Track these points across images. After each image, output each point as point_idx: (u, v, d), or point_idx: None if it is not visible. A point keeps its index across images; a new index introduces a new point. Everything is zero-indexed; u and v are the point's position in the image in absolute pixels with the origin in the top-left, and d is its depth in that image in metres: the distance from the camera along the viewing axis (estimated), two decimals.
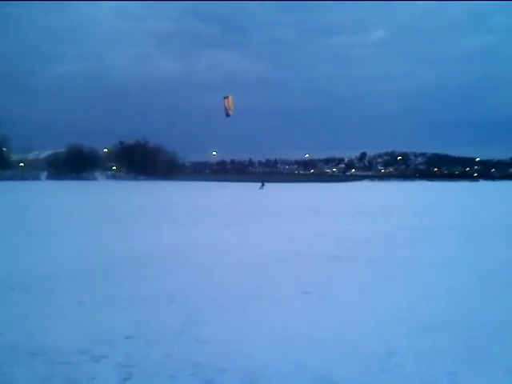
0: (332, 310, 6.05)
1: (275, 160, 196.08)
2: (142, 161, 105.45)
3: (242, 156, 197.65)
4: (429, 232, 14.22)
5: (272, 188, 58.05)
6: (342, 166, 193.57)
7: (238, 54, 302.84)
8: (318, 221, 17.69)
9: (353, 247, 11.22)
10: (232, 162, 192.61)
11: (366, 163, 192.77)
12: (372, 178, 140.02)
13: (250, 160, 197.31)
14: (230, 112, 25.67)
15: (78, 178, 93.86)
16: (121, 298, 6.59)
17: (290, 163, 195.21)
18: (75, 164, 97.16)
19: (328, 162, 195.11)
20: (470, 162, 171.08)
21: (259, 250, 10.78)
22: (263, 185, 58.29)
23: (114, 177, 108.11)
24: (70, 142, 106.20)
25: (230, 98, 25.92)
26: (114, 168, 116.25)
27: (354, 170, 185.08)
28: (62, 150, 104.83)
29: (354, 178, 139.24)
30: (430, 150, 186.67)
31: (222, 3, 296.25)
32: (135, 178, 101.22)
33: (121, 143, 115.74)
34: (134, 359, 4.49)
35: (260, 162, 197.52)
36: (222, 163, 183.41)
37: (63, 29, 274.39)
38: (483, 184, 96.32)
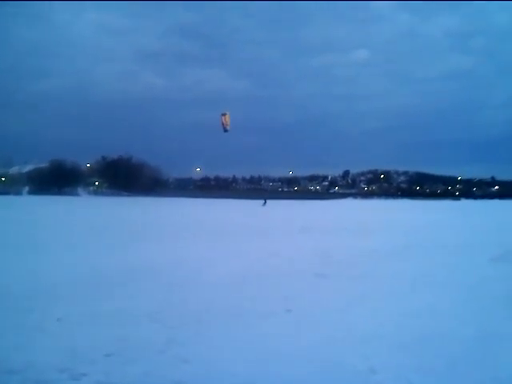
0: (314, 328, 6.05)
1: (259, 177, 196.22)
2: (126, 176, 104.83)
3: (226, 172, 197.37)
4: (412, 249, 14.31)
5: (257, 205, 58.13)
6: (326, 183, 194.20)
7: (222, 71, 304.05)
8: (302, 238, 17.71)
9: (337, 264, 11.24)
10: (216, 178, 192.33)
11: (350, 181, 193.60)
12: (355, 195, 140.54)
13: (234, 177, 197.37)
14: (228, 127, 26.69)
15: (60, 193, 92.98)
16: (102, 314, 6.52)
17: (273, 180, 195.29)
18: (57, 179, 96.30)
19: (312, 179, 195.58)
20: (452, 180, 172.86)
21: (243, 266, 10.76)
22: (265, 202, 59.95)
23: (97, 192, 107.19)
24: (52, 156, 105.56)
25: (228, 114, 27.05)
26: (97, 183, 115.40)
27: (337, 187, 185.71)
28: (44, 164, 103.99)
29: (338, 195, 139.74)
30: (413, 168, 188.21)
31: (204, 20, 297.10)
32: (118, 194, 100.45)
33: (103, 158, 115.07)
34: (113, 377, 4.43)
35: (244, 179, 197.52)
36: (205, 179, 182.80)
37: (47, 43, 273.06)
38: (465, 202, 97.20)
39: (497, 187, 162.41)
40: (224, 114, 27.20)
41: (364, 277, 9.65)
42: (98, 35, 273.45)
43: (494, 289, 8.69)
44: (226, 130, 27.10)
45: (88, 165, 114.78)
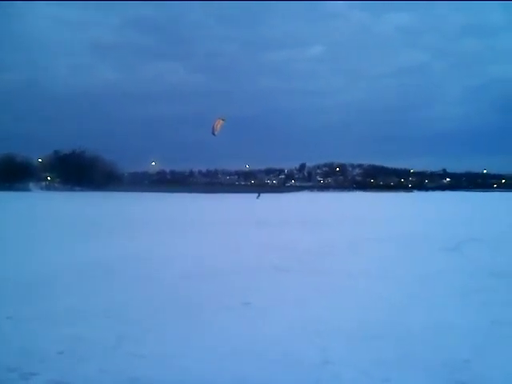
0: (271, 321, 6.05)
1: (216, 170, 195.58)
2: (78, 171, 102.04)
3: (183, 166, 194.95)
4: (368, 242, 14.45)
5: (211, 199, 58.01)
6: (282, 176, 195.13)
7: (180, 65, 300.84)
8: (259, 231, 17.75)
9: (293, 258, 11.29)
10: (172, 172, 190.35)
11: (306, 174, 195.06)
12: (311, 188, 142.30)
13: (191, 171, 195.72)
14: (216, 132, 26.52)
15: (11, 188, 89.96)
16: (54, 312, 6.33)
17: (230, 174, 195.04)
18: (8, 174, 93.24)
19: (268, 172, 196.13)
20: (405, 173, 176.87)
21: (200, 261, 10.68)
22: (259, 195, 62.33)
23: (49, 187, 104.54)
24: (2, 151, 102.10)
25: (224, 121, 26.83)
26: (49, 178, 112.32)
27: (293, 181, 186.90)
28: None
29: (294, 188, 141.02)
30: (367, 161, 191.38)
31: (162, 14, 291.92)
32: (71, 189, 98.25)
33: (56, 153, 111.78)
34: (66, 375, 4.31)
35: (200, 173, 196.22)
36: (161, 173, 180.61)
37: (1, 36, 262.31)
38: (417, 194, 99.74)
39: (448, 179, 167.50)
40: (222, 119, 27.07)
41: (321, 270, 9.72)
42: (54, 28, 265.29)
43: (448, 280, 8.88)
44: (213, 134, 27.02)
45: (40, 159, 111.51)
